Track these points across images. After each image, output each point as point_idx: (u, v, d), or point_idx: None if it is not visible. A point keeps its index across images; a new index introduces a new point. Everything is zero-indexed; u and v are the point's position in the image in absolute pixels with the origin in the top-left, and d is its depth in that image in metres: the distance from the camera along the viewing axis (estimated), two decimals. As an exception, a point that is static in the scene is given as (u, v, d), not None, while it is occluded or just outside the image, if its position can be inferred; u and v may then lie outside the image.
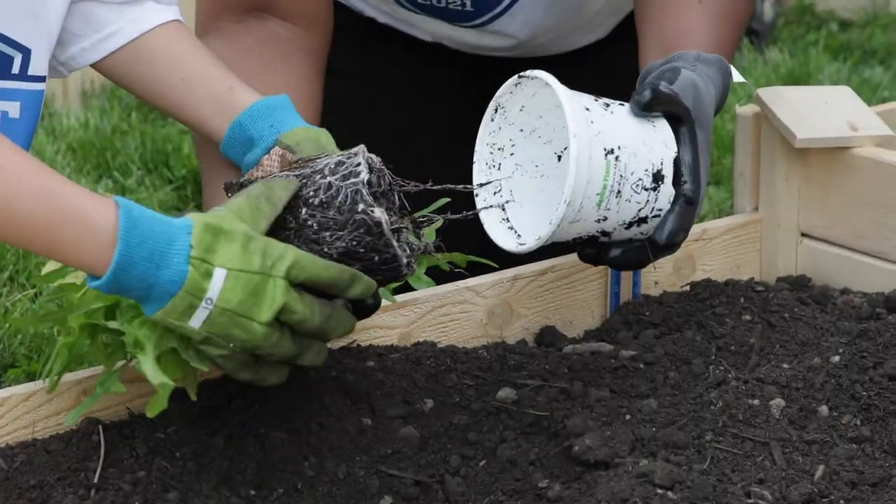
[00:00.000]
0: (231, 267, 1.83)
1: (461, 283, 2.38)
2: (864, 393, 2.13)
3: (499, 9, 2.52)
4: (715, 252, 2.61)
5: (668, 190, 2.09)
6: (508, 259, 2.29)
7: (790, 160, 2.61)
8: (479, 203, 2.13)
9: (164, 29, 2.25)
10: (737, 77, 2.22)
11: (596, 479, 1.99)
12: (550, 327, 2.44)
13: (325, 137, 2.15)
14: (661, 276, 2.50)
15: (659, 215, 2.08)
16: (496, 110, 2.13)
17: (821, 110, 2.63)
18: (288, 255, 1.86)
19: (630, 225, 2.08)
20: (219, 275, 1.82)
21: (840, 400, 2.12)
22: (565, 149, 2.08)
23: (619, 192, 2.04)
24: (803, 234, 2.63)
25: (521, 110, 2.13)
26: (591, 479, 2.00)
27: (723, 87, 2.18)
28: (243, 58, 2.35)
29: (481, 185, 2.13)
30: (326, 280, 1.88)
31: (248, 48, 2.41)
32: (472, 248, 2.26)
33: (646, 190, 2.06)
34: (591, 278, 2.48)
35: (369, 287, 1.93)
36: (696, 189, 2.08)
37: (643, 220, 2.08)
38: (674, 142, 2.09)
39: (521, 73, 2.09)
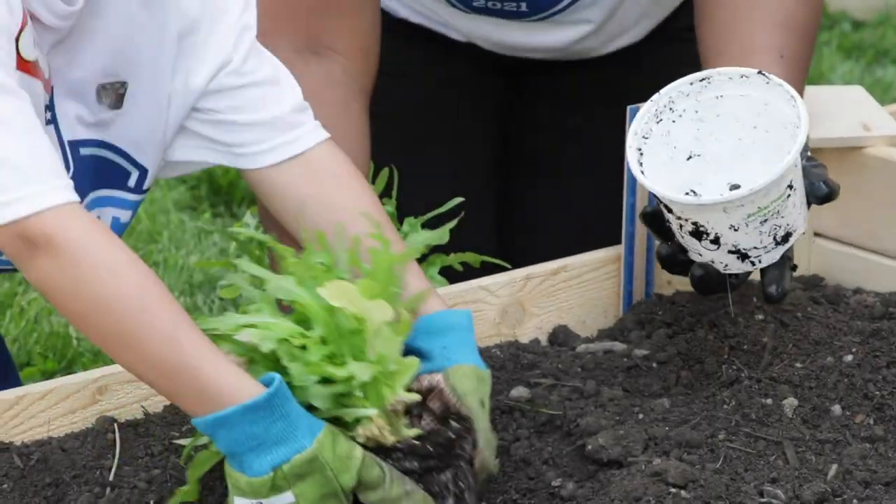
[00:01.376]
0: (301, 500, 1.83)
1: (474, 283, 2.37)
2: (878, 392, 2.13)
3: (556, 8, 2.51)
4: (728, 252, 2.61)
5: (781, 250, 2.14)
6: (520, 259, 2.29)
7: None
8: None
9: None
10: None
11: (609, 477, 1.99)
12: (563, 326, 2.44)
13: (484, 381, 2.06)
14: (673, 276, 2.50)
15: (756, 263, 2.12)
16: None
17: (833, 110, 2.64)
18: None
19: (737, 251, 2.12)
20: (286, 497, 1.82)
21: (853, 399, 2.12)
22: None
23: (765, 220, 2.08)
24: (816, 234, 2.63)
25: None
26: (604, 478, 2.00)
27: None
28: (313, 102, 2.31)
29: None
30: None
31: (317, 91, 2.32)
32: (484, 249, 2.26)
33: (772, 237, 2.11)
34: (604, 278, 2.48)
35: None
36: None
37: (746, 256, 2.12)
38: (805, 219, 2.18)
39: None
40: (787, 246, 2.14)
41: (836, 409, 2.11)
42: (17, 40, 1.89)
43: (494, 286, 2.39)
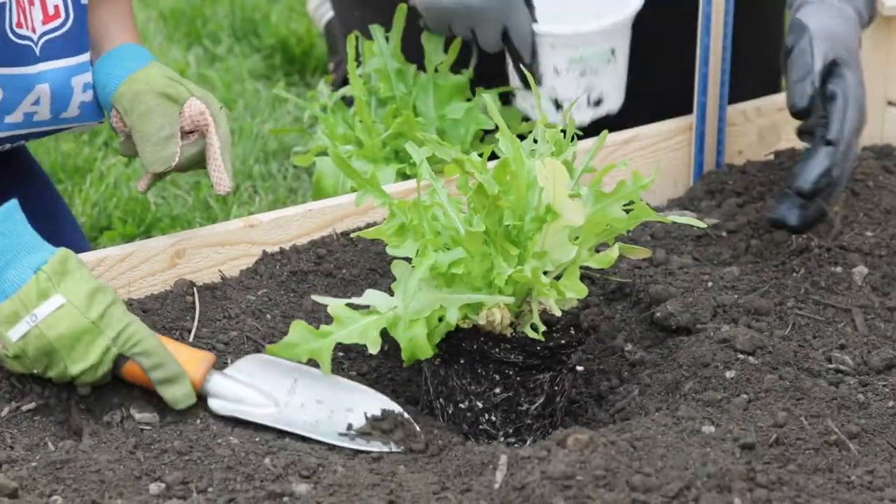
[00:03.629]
0: (70, 300, 1.83)
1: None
2: (949, 261, 2.14)
3: None
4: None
5: (591, 114, 2.40)
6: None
7: (877, 29, 2.58)
8: None
9: None
10: None
11: (678, 344, 2.01)
12: (634, 195, 2.45)
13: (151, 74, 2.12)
14: (744, 146, 2.49)
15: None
16: None
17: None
18: (127, 323, 1.86)
19: (554, 101, 2.41)
20: (55, 300, 1.82)
21: (923, 268, 2.13)
22: None
23: (583, 73, 2.40)
24: (889, 103, 2.62)
25: None
26: (672, 345, 2.02)
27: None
28: None
29: None
30: (150, 363, 1.87)
31: None
32: None
33: (586, 96, 2.40)
34: (675, 147, 2.48)
35: (187, 395, 1.89)
36: (840, 131, 2.08)
37: (560, 106, 2.41)
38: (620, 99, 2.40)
39: None
40: (598, 113, 2.28)
41: (907, 276, 2.12)
42: None
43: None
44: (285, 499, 1.67)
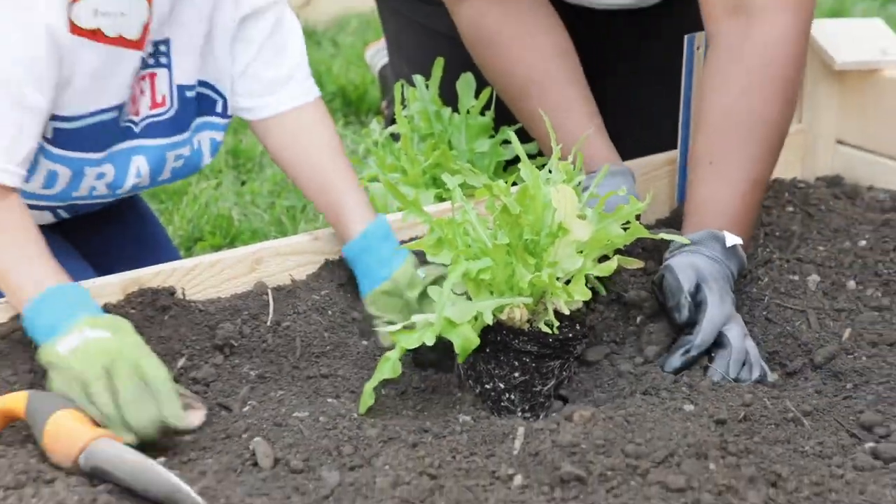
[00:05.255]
0: (112, 336, 1.77)
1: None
2: (886, 270, 2.12)
3: None
4: (765, 155, 2.60)
5: None
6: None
7: (830, 81, 2.58)
8: None
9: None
10: (732, 240, 2.01)
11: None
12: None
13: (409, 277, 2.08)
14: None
15: None
16: None
17: (856, 38, 2.60)
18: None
19: None
20: (103, 332, 1.76)
21: (865, 276, 2.12)
22: None
23: None
24: (838, 142, 2.61)
25: None
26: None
27: (738, 269, 2.04)
28: (534, 25, 2.30)
29: None
30: None
31: (528, 19, 2.31)
32: None
33: None
34: (662, 176, 2.47)
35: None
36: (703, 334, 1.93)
37: None
38: None
39: None
40: None
41: (851, 283, 2.11)
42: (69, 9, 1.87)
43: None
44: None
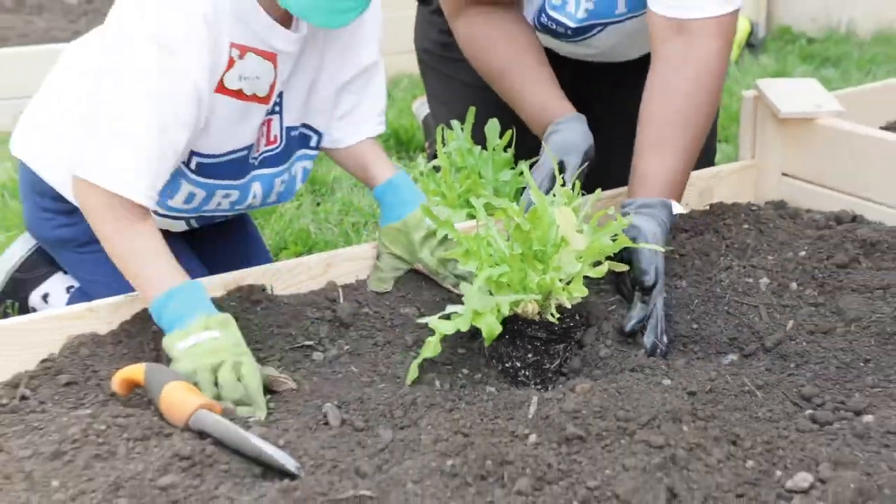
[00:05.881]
0: (221, 336, 1.77)
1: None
2: (820, 275, 2.10)
3: (589, 35, 2.47)
4: (725, 185, 2.58)
5: None
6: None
7: (776, 127, 2.57)
8: None
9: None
10: (677, 209, 2.12)
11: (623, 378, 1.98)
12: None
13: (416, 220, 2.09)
14: (689, 200, 2.47)
15: None
16: None
17: (795, 94, 2.60)
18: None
19: None
20: (214, 333, 1.77)
21: (804, 279, 2.09)
22: None
23: None
24: (783, 174, 2.59)
25: None
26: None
27: (668, 216, 2.09)
28: (511, 30, 2.39)
29: None
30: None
31: (507, 26, 2.40)
32: None
33: None
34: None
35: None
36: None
37: None
38: None
39: None
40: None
41: (793, 285, 2.08)
42: (222, 77, 1.89)
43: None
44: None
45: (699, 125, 2.19)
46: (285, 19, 1.95)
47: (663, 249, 1.99)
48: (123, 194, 1.81)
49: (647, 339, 1.90)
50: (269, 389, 1.79)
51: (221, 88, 1.90)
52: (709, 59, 2.18)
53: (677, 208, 2.11)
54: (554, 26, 2.48)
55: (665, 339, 1.92)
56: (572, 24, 2.45)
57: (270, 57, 1.94)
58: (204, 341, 1.75)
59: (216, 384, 1.74)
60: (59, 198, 2.13)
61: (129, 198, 1.81)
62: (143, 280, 1.83)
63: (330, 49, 2.07)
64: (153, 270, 1.82)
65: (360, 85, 2.16)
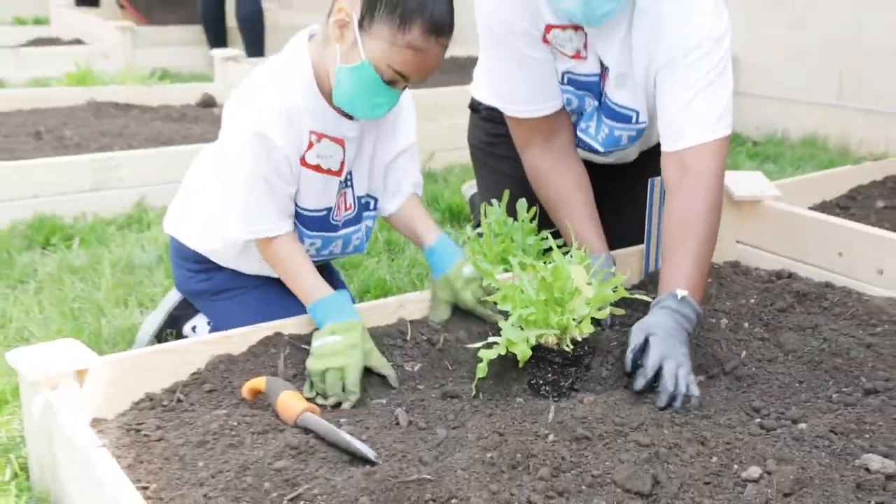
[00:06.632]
0: (341, 341, 1.80)
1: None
2: (766, 316, 2.06)
3: (617, 148, 2.37)
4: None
5: None
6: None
7: (731, 206, 2.53)
8: None
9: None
10: (679, 293, 1.85)
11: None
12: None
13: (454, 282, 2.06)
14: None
15: None
16: None
17: (743, 183, 2.57)
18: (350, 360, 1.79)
19: None
20: (336, 338, 1.80)
21: (753, 319, 2.06)
22: None
23: None
24: (738, 242, 2.55)
25: None
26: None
27: (693, 313, 1.84)
28: (563, 169, 2.26)
29: None
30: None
31: (562, 165, 2.26)
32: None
33: None
34: (636, 260, 2.41)
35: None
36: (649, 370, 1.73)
37: None
38: None
39: None
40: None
41: (746, 324, 2.04)
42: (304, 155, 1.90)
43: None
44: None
45: (710, 233, 1.96)
46: (348, 114, 1.96)
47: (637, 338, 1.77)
48: (262, 235, 1.90)
49: (637, 384, 1.71)
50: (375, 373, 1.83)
51: (304, 163, 1.92)
52: (709, 189, 1.97)
53: (680, 292, 1.84)
54: (583, 147, 2.40)
55: (685, 389, 1.68)
56: (601, 149, 2.34)
57: (339, 141, 1.96)
58: (327, 343, 1.80)
59: (323, 381, 1.79)
60: (198, 260, 2.16)
61: (266, 235, 1.90)
62: (305, 289, 1.90)
63: (379, 136, 2.07)
64: (309, 282, 1.90)
65: (401, 162, 2.12)
